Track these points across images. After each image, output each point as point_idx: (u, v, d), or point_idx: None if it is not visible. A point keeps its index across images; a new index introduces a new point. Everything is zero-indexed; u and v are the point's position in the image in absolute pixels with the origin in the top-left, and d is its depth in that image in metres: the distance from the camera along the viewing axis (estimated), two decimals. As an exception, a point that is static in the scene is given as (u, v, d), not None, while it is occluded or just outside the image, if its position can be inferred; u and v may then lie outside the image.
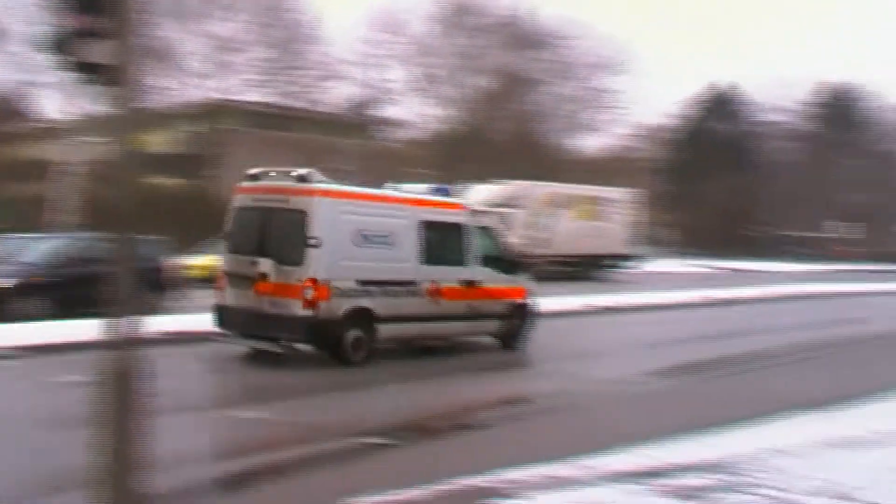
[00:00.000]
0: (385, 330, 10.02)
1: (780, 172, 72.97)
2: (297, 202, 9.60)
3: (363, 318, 9.76)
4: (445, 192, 11.61)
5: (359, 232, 9.86)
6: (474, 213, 11.70)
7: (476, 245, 11.27)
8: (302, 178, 9.69)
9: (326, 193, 9.68)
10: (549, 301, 14.23)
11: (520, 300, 11.90)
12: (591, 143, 52.61)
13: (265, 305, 9.60)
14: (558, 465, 6.18)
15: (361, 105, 44.56)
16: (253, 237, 9.85)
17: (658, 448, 6.81)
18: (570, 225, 31.08)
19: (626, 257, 33.77)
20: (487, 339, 11.89)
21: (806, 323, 18.65)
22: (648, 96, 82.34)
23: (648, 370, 11.55)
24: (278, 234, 9.77)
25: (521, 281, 12.01)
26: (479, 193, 24.58)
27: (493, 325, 11.60)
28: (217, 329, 10.01)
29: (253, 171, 10.29)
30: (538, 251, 26.82)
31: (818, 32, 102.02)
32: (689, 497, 5.44)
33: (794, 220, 75.92)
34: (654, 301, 20.66)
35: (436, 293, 10.60)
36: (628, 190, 35.52)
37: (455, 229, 11.06)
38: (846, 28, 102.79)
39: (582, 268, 31.07)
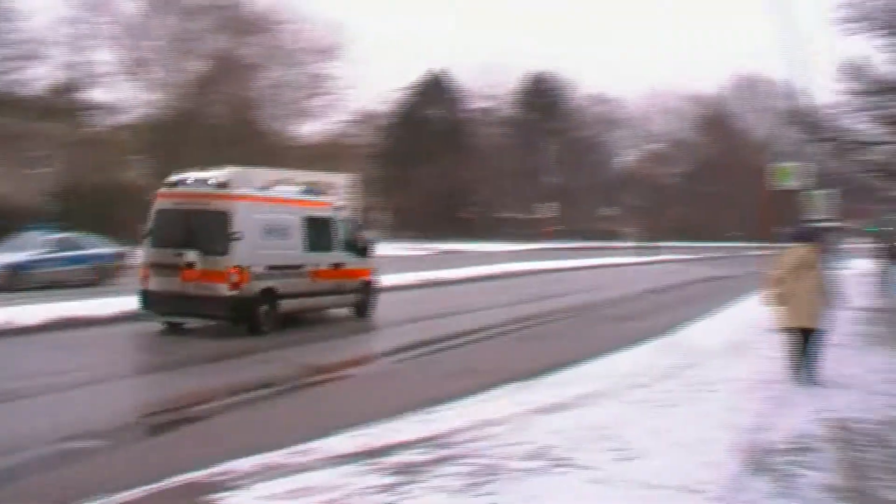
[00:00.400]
0: (284, 304, 12.85)
1: (491, 157, 78.63)
2: (218, 205, 12.15)
3: (270, 295, 12.49)
4: (316, 193, 14.34)
5: (264, 227, 12.57)
6: (337, 208, 14.59)
7: (339, 234, 14.33)
8: (222, 185, 12.20)
9: (243, 198, 12.35)
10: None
11: (367, 278, 15.07)
12: (309, 129, 52.39)
13: (190, 289, 12.05)
14: (282, 452, 6.12)
15: (65, 88, 40.30)
16: (177, 233, 12.14)
17: (380, 428, 6.95)
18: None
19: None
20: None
21: (514, 300, 20.39)
22: (367, 82, 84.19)
23: (374, 351, 11.80)
24: (202, 230, 12.14)
25: (369, 262, 15.09)
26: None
27: (351, 298, 14.78)
28: (141, 310, 12.56)
29: (172, 178, 12.65)
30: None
31: (526, 24, 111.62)
32: (406, 472, 5.59)
33: (506, 203, 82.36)
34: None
35: (315, 274, 13.60)
36: (348, 175, 35.52)
37: (325, 223, 14.06)
38: (551, 21, 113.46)
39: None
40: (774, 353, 11.30)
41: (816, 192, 31.93)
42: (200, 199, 12.38)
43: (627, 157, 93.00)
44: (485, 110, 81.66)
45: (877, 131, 17.02)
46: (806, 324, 9.28)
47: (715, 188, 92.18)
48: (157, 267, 12.43)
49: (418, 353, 11.83)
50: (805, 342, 9.31)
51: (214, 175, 12.35)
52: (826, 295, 9.32)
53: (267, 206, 12.96)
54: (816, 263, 9.37)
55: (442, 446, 6.37)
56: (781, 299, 9.30)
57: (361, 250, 15.03)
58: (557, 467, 5.74)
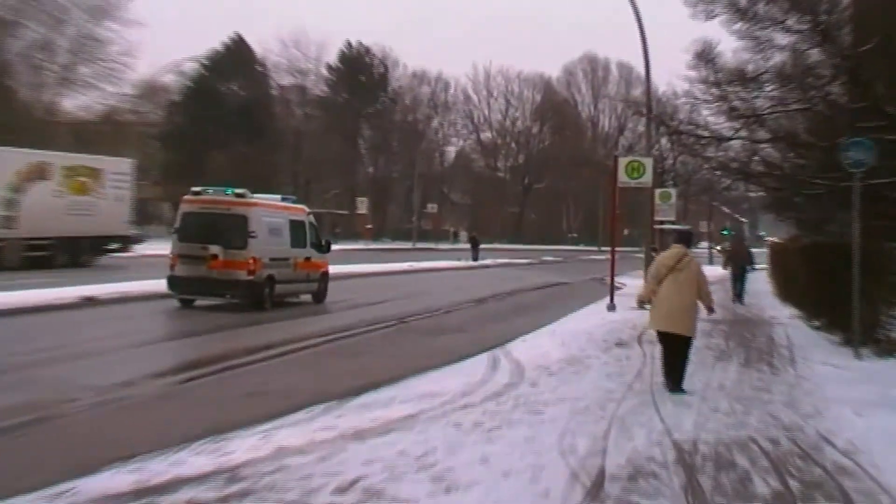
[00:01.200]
0: (279, 288, 19.24)
1: (299, 143, 77.81)
2: (237, 210, 18.57)
3: (271, 281, 18.84)
4: (293, 200, 21.78)
5: (268, 228, 19.00)
6: (308, 213, 21.42)
7: (308, 234, 20.87)
8: (240, 195, 18.85)
9: (256, 204, 18.96)
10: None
11: (325, 269, 21.80)
12: (79, 102, 49.11)
13: (214, 274, 18.20)
14: (42, 493, 5.79)
15: None
16: (202, 232, 18.34)
17: (160, 460, 6.67)
18: (48, 201, 28.98)
19: (125, 239, 32.80)
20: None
21: (322, 309, 20.31)
22: (152, 50, 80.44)
23: (153, 371, 11.34)
24: (224, 230, 18.42)
25: (326, 257, 21.79)
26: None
27: (314, 286, 21.28)
28: (170, 291, 18.73)
29: (195, 189, 19.22)
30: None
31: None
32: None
33: (317, 197, 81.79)
34: (134, 290, 20.41)
35: (295, 265, 20.05)
36: (126, 160, 34.11)
37: (301, 224, 20.73)
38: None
39: (64, 252, 29.31)
40: (615, 368, 12.00)
41: (666, 190, 34.31)
42: (222, 205, 18.91)
43: (456, 146, 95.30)
44: (294, 89, 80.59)
45: (726, 125, 18.49)
46: (677, 329, 10.48)
47: (554, 184, 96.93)
48: (184, 257, 18.67)
49: (210, 372, 11.48)
50: (675, 348, 10.53)
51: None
52: (702, 300, 10.59)
53: (269, 211, 19.71)
54: (693, 267, 10.61)
55: (235, 480, 6.18)
56: (655, 301, 10.53)
57: (323, 247, 21.70)
58: (370, 503, 5.73)
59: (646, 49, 24.00)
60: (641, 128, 59.62)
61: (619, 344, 14.75)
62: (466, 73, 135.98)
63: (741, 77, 16.19)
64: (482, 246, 54.04)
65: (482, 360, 12.84)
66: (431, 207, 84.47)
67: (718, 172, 23.77)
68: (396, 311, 20.11)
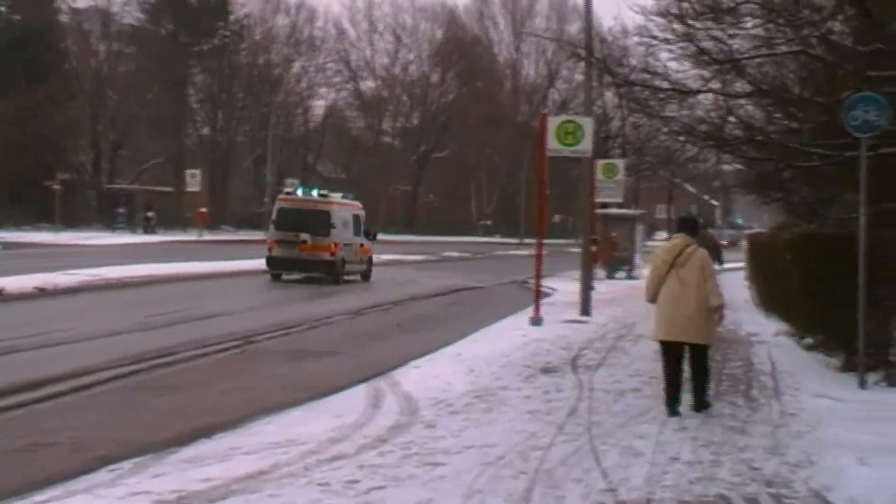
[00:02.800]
0: (347, 268, 33.88)
1: (103, 92, 76.15)
2: (322, 207, 33.77)
3: (342, 261, 33.44)
4: (351, 198, 37.78)
5: (341, 220, 33.67)
6: (361, 208, 37.22)
7: (362, 224, 35.80)
8: (324, 195, 34.81)
9: (338, 203, 34.76)
10: None
11: (370, 255, 36.32)
12: None
13: (305, 256, 32.83)
14: None
15: None
16: (295, 222, 32.78)
17: None
18: None
19: None
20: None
21: (134, 325, 20.04)
22: None
23: None
24: (312, 221, 32.98)
25: (370, 244, 36.10)
26: None
27: (364, 267, 35.56)
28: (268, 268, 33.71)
29: (287, 190, 39.00)
30: None
31: None
32: None
33: (129, 167, 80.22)
34: None
35: (357, 250, 34.69)
36: None
37: (358, 217, 35.62)
38: None
39: None
40: (541, 404, 12.09)
41: (612, 162, 34.92)
42: (309, 203, 33.76)
43: (326, 100, 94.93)
44: (94, 14, 78.78)
45: (693, 74, 18.81)
46: (687, 338, 11.60)
47: (461, 153, 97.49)
48: (280, 242, 32.67)
49: None
50: (688, 360, 11.73)
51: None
52: (714, 300, 11.63)
53: (342, 208, 34.30)
54: (697, 259, 11.65)
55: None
56: (658, 305, 11.71)
57: (368, 235, 36.10)
58: None
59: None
60: (579, 77, 60.51)
61: (547, 370, 14.90)
62: (341, 0, 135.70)
63: (714, 8, 16.49)
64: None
65: (360, 393, 12.87)
66: (292, 184, 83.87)
67: (681, 138, 24.21)
68: (241, 327, 19.90)
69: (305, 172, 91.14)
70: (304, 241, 32.63)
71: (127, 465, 8.99)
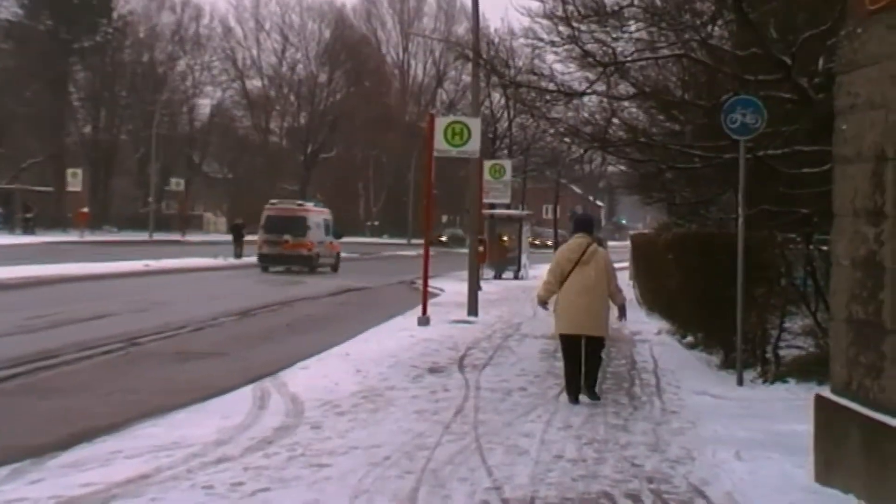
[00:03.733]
0: (321, 261, 43.62)
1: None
2: (300, 213, 43.97)
3: (317, 255, 43.42)
4: (322, 204, 50.52)
5: (315, 223, 43.56)
6: (329, 213, 47.38)
7: (331, 225, 45.72)
8: (301, 204, 46.89)
9: (312, 210, 45.47)
10: None
11: (338, 250, 46.21)
12: None
13: (287, 252, 42.45)
14: None
15: None
16: (279, 226, 42.03)
17: None
18: None
19: None
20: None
21: None
22: None
23: None
24: (292, 225, 42.32)
25: (338, 241, 46.23)
26: None
27: (333, 260, 45.03)
28: (259, 263, 43.20)
29: (273, 201, 46.27)
30: None
31: None
32: None
33: (8, 164, 78.25)
34: None
35: (327, 246, 44.80)
36: None
37: (327, 221, 45.69)
38: None
39: None
40: (428, 403, 12.15)
41: (499, 163, 35.16)
42: (290, 210, 44.03)
43: (212, 98, 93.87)
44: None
45: (578, 76, 19.04)
46: (589, 331, 12.51)
47: (349, 153, 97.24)
48: (268, 242, 41.77)
49: None
50: (587, 352, 12.55)
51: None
52: (612, 298, 12.71)
53: (315, 213, 44.45)
54: (601, 258, 12.58)
55: None
56: (560, 301, 12.49)
57: (336, 234, 45.60)
58: None
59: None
60: (467, 78, 60.84)
61: (434, 370, 14.96)
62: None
63: (598, 12, 16.73)
64: (249, 237, 53.54)
65: (246, 395, 12.74)
66: (177, 184, 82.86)
67: (567, 139, 24.53)
68: (124, 330, 19.59)
69: (191, 172, 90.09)
70: (287, 241, 41.51)
71: (3, 471, 8.77)
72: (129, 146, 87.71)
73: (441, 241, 75.62)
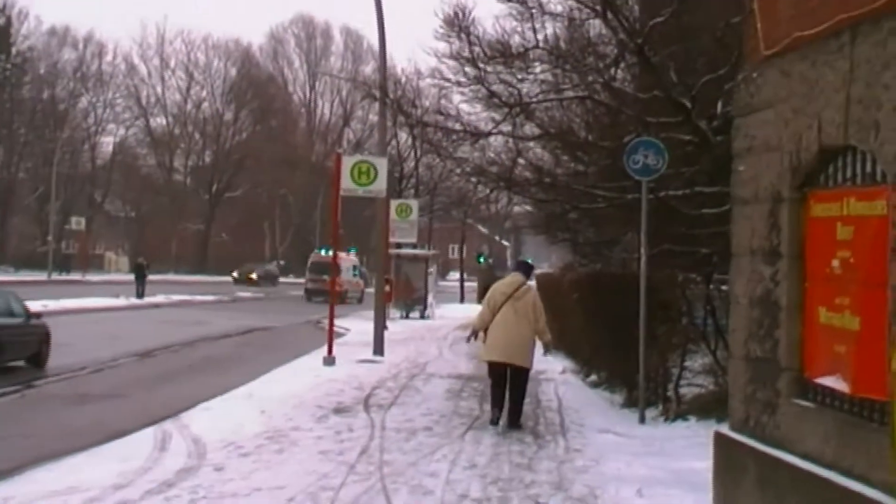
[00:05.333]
0: (349, 294, 56.70)
1: None
2: (338, 261, 29.85)
3: (345, 291, 54.27)
4: (355, 251, 71.46)
5: (346, 268, 57.35)
6: (357, 258, 68.48)
7: (357, 268, 64.23)
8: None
9: (343, 257, 55.08)
10: None
11: (362, 287, 61.00)
12: None
13: (324, 287, 42.44)
14: None
15: None
16: (320, 269, 54.34)
17: None
18: None
19: None
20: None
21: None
22: None
23: None
24: (327, 268, 35.44)
25: (361, 280, 62.38)
26: None
27: (359, 294, 59.32)
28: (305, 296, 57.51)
29: (315, 252, 61.29)
30: None
31: None
32: None
33: None
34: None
35: (354, 284, 59.71)
36: None
37: (355, 265, 63.88)
38: None
39: None
40: (333, 444, 12.12)
41: (406, 202, 35.26)
42: (327, 259, 38.65)
43: (115, 136, 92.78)
44: None
45: (484, 117, 19.21)
46: (516, 361, 13.65)
47: (254, 193, 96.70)
48: (313, 280, 56.72)
49: None
50: (512, 381, 13.70)
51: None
52: (538, 335, 13.89)
53: (345, 259, 57.34)
54: (530, 297, 13.88)
55: None
56: (491, 331, 13.69)
57: (362, 275, 63.16)
58: None
59: (380, 10, 24.62)
60: (374, 117, 61.02)
61: (340, 410, 14.92)
62: (131, 34, 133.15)
63: (504, 53, 16.94)
64: (151, 277, 52.93)
65: (147, 437, 12.59)
66: (77, 222, 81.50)
67: (474, 179, 24.73)
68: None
69: (92, 210, 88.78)
70: (324, 279, 45.29)
71: None
72: (27, 184, 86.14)
73: (250, 280, 75.72)
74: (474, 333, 14.34)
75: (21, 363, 20.16)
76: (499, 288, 14.14)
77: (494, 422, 13.67)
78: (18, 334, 20.04)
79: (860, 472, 6.59)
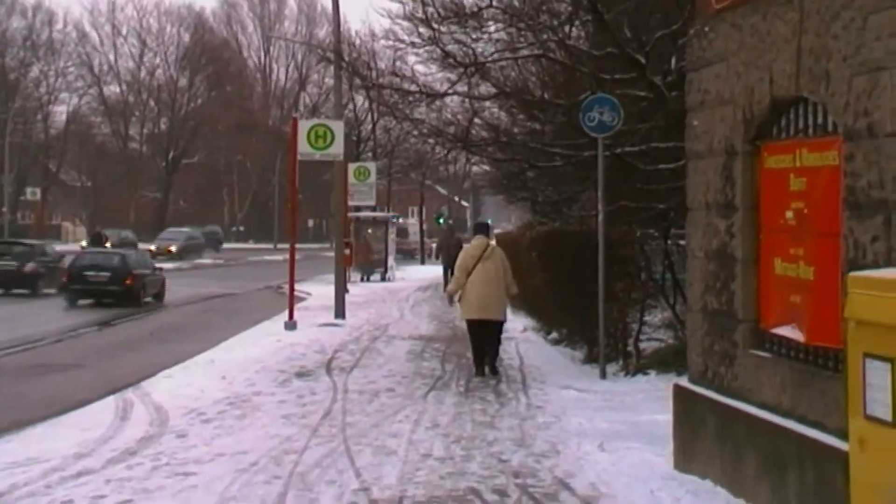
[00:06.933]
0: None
1: None
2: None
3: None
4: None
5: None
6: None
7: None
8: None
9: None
10: None
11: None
12: None
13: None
14: None
15: None
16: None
17: None
18: None
19: None
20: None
21: None
22: None
23: None
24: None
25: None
26: None
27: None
28: None
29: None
30: None
31: None
32: None
33: None
34: None
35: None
36: None
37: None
38: None
39: None
40: (295, 408, 12.12)
41: (364, 166, 35.11)
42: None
43: (68, 105, 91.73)
44: None
45: (440, 77, 19.18)
46: (492, 315, 14.72)
47: (212, 159, 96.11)
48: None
49: None
50: (488, 334, 14.77)
51: None
52: (507, 289, 14.96)
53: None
54: (497, 255, 15.03)
55: None
56: (466, 292, 14.67)
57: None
58: None
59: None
60: (329, 81, 60.56)
61: (302, 374, 14.92)
62: (81, 2, 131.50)
63: (458, 13, 16.89)
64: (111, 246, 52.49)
65: (107, 406, 12.56)
66: (33, 193, 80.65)
67: (431, 140, 24.67)
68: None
69: (48, 181, 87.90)
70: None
71: None
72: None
73: (170, 252, 61.23)
74: (452, 296, 15.37)
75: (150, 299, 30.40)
76: (469, 252, 15.12)
77: (480, 373, 14.68)
78: (151, 280, 31.37)
79: (815, 419, 6.68)
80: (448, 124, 21.58)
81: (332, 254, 28.67)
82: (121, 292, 29.41)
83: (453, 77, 18.66)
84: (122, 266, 30.09)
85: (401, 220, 57.46)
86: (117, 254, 32.92)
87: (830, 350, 6.62)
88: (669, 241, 15.77)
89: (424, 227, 64.77)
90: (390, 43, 20.47)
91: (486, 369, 14.74)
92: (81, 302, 29.32)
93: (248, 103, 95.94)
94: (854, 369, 5.02)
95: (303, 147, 22.46)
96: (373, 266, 41.78)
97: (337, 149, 22.75)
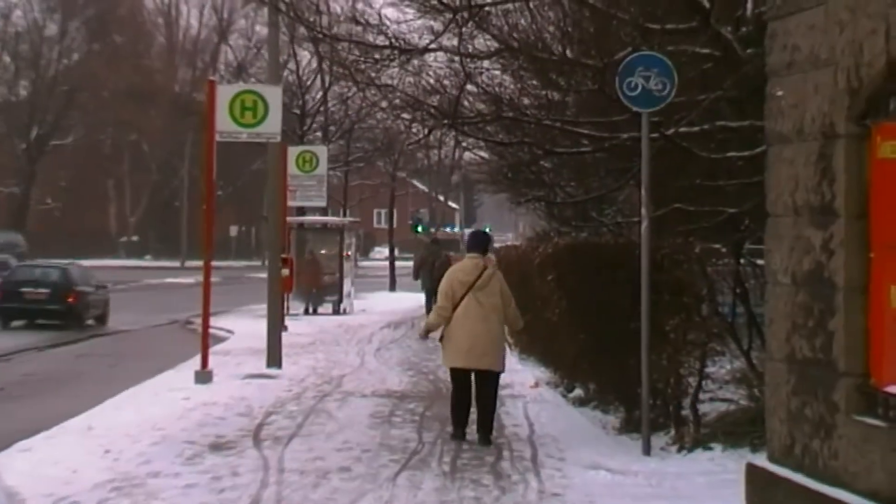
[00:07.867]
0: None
1: None
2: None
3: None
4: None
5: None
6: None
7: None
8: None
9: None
10: None
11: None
12: None
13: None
14: None
15: None
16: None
17: None
18: None
19: None
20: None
21: None
22: None
23: None
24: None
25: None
26: None
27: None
28: None
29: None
30: None
31: None
32: None
33: None
34: None
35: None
36: None
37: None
38: None
39: None
40: (209, 496, 12.10)
41: (309, 150, 35.16)
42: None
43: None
44: None
45: (419, 27, 19.19)
46: (484, 365, 14.86)
47: (93, 140, 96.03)
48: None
49: None
50: (476, 387, 14.97)
51: None
52: (509, 324, 15.48)
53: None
54: (496, 282, 15.03)
55: None
56: (451, 330, 14.84)
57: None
58: None
59: None
60: (261, 29, 60.63)
61: (219, 447, 14.87)
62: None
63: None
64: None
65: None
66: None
67: (406, 115, 24.63)
68: None
69: None
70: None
71: None
72: None
73: None
74: (427, 332, 15.99)
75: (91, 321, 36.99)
76: (456, 275, 15.17)
77: (459, 435, 15.10)
78: (95, 299, 38.15)
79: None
80: (430, 93, 21.54)
81: (264, 275, 28.65)
82: (62, 311, 35.67)
83: (438, 26, 18.64)
84: (63, 282, 36.34)
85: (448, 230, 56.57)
86: (57, 267, 38.89)
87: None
88: (742, 261, 15.79)
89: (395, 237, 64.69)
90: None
91: (478, 436, 14.98)
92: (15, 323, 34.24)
93: (144, 60, 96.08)
94: None
95: (224, 123, 22.45)
96: (322, 293, 41.78)
97: (272, 126, 22.78)
